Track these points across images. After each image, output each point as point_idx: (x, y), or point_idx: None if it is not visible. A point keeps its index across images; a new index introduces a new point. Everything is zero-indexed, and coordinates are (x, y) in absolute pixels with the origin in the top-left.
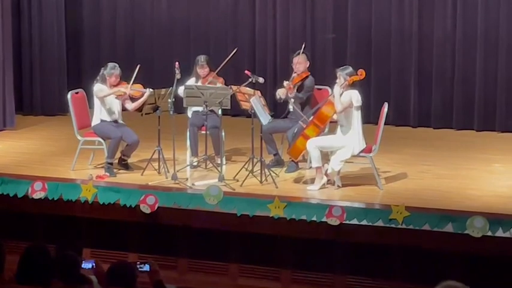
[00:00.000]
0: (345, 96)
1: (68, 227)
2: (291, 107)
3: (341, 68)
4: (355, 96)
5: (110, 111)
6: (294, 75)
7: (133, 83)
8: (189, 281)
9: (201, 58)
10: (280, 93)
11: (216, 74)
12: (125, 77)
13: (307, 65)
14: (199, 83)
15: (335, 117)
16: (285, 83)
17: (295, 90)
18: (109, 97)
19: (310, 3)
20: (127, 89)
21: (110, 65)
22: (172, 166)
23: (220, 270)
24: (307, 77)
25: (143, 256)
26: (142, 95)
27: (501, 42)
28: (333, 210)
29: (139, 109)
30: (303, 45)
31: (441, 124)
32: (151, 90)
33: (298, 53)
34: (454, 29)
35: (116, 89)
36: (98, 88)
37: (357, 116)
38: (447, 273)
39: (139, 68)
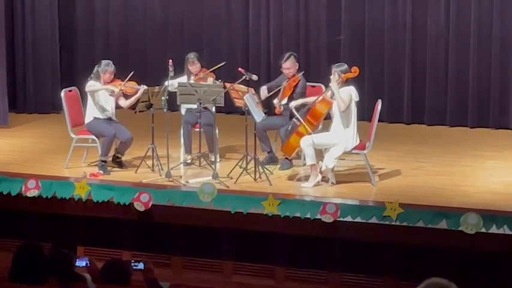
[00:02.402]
0: (344, 94)
1: (61, 225)
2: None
3: (336, 64)
4: (353, 92)
5: (103, 108)
6: (284, 84)
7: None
8: (184, 278)
9: (191, 55)
10: (262, 94)
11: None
12: (118, 76)
13: (297, 67)
14: (191, 81)
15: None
16: (275, 101)
17: (287, 99)
18: (103, 94)
19: (304, 0)
20: (121, 85)
21: (104, 62)
22: (166, 164)
23: (215, 267)
24: (297, 83)
25: (137, 254)
26: (136, 92)
27: (494, 39)
28: (327, 208)
29: (133, 107)
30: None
31: (435, 121)
32: (145, 87)
33: (288, 57)
34: (447, 25)
35: (108, 86)
36: (90, 83)
37: (353, 112)
38: (441, 270)
39: (133, 73)
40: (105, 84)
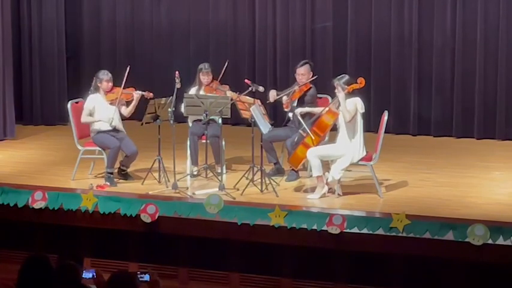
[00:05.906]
0: (349, 104)
1: (68, 236)
2: (290, 115)
3: (338, 77)
4: (359, 103)
5: (106, 120)
6: (295, 88)
7: (125, 86)
8: None
9: (205, 65)
10: (270, 96)
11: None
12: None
13: (310, 76)
14: (201, 91)
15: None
16: (284, 98)
17: (296, 102)
18: (102, 107)
19: (310, 12)
20: (118, 93)
21: (100, 72)
22: (172, 175)
23: (221, 279)
24: (308, 89)
25: (144, 265)
26: (132, 97)
27: (501, 50)
28: (334, 219)
29: (135, 114)
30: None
31: (441, 132)
32: (138, 92)
33: (303, 64)
34: (453, 36)
35: (96, 119)
36: (89, 104)
37: (359, 124)
38: (448, 282)
39: (130, 69)
40: (105, 92)
